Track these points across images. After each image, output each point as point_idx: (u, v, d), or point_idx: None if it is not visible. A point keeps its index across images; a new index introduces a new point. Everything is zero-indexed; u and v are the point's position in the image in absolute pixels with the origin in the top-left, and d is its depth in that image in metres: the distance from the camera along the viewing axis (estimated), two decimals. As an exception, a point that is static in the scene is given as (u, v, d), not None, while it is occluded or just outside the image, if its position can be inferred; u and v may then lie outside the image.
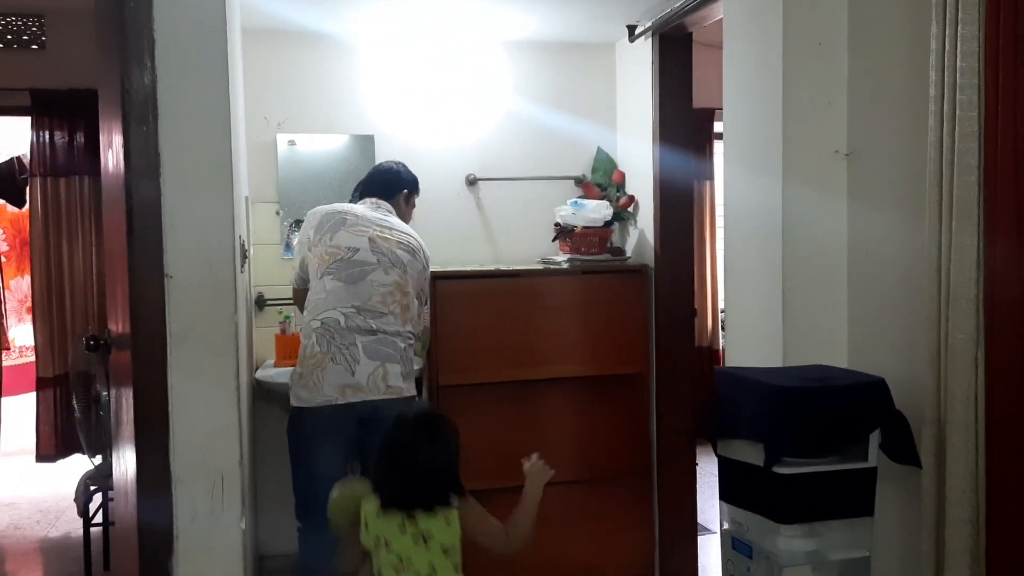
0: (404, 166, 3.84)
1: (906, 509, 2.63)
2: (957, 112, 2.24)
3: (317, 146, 4.37)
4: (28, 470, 6.30)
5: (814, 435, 2.39)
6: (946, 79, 2.28)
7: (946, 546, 2.31)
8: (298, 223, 4.06)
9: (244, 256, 3.17)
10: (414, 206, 3.87)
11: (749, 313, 3.13)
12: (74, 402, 4.42)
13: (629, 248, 4.45)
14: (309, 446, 3.38)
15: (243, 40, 4.14)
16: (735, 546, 2.60)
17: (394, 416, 2.72)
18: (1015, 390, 2.22)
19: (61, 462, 5.95)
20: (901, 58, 2.64)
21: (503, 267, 4.26)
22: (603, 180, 4.50)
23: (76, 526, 4.26)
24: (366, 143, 4.39)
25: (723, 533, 2.68)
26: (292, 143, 4.34)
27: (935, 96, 2.32)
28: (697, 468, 4.37)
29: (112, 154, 2.76)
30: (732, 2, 3.18)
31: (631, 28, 4.24)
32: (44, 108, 5.85)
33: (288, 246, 4.32)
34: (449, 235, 4.43)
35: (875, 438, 2.45)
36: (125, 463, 2.83)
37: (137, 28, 2.53)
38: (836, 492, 2.45)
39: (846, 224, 2.90)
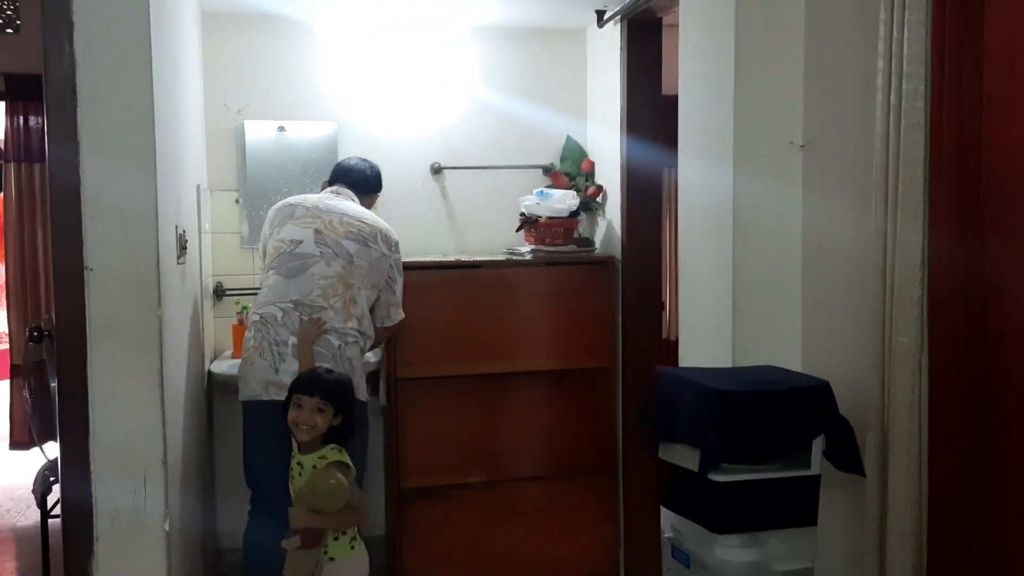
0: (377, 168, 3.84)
1: (851, 518, 2.54)
2: (903, 102, 2.13)
3: (279, 133, 4.26)
4: (1, 457, 6.27)
5: (752, 440, 2.29)
6: (893, 68, 2.16)
7: (888, 558, 2.21)
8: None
9: (183, 246, 3.07)
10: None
11: (700, 310, 3.03)
12: (25, 393, 4.34)
13: (598, 239, 4.35)
14: (246, 439, 3.37)
15: (203, 24, 4.05)
16: (674, 554, 2.51)
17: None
18: (958, 398, 2.12)
19: (35, 450, 5.91)
20: (856, 46, 2.53)
21: (465, 258, 4.16)
22: (572, 169, 4.39)
23: (39, 517, 4.20)
24: (330, 130, 4.29)
25: (664, 540, 2.59)
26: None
27: (882, 85, 2.21)
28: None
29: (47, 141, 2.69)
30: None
31: (600, 13, 4.12)
32: (18, 93, 5.82)
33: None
34: (413, 224, 4.33)
35: (819, 444, 2.34)
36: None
37: (56, 12, 2.44)
38: (777, 501, 2.35)
39: (801, 219, 2.79)
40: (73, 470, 2.53)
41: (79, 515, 2.53)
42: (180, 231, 3.02)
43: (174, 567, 2.66)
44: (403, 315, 3.61)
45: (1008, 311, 2.02)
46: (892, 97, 2.16)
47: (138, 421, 2.53)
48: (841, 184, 2.64)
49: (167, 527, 2.58)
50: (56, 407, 3.16)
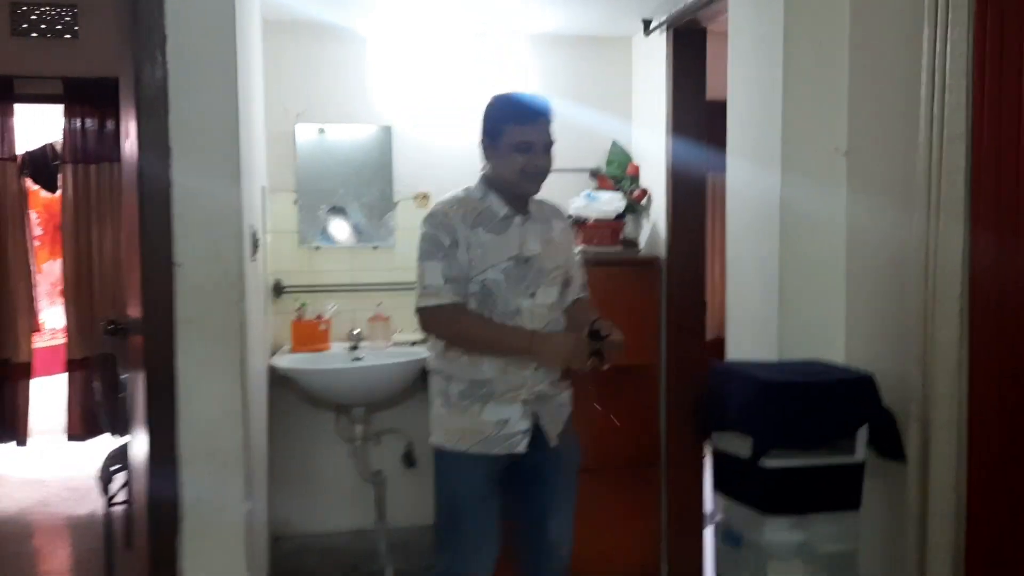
0: (491, 100, 2.86)
1: (893, 504, 2.66)
2: (946, 113, 2.27)
3: (335, 136, 4.43)
4: (59, 449, 6.46)
5: (801, 429, 2.44)
6: (936, 80, 2.31)
7: (928, 541, 2.36)
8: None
9: (255, 245, 3.24)
10: (509, 148, 2.75)
11: (748, 307, 3.17)
12: (95, 383, 4.52)
13: (642, 240, 4.49)
14: None
15: (264, 32, 4.21)
16: (725, 536, 2.65)
17: None
18: (996, 391, 2.26)
19: (91, 441, 6.13)
20: (899, 59, 2.65)
21: (515, 257, 4.29)
22: (618, 172, 4.54)
23: (102, 504, 4.37)
24: (384, 134, 4.45)
25: (716, 524, 2.73)
26: (322, 131, 4.41)
27: (925, 97, 2.35)
28: (704, 460, 4.40)
29: (128, 144, 2.85)
30: (736, 4, 3.21)
31: (646, 22, 4.27)
32: (76, 96, 6.01)
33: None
34: (464, 225, 4.47)
35: (863, 433, 2.49)
36: (138, 444, 2.93)
37: (149, 24, 2.61)
38: (823, 486, 2.50)
39: (845, 221, 2.92)
40: (161, 454, 2.69)
41: (166, 496, 2.69)
42: (253, 230, 3.20)
43: (251, 546, 2.84)
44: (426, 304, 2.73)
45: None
46: (935, 109, 2.30)
47: (222, 409, 2.70)
48: (884, 188, 2.77)
49: (248, 507, 2.75)
50: (128, 398, 3.33)
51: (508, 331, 2.73)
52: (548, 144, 2.81)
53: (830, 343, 2.92)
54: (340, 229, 4.45)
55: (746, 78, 3.17)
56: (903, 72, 2.59)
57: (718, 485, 2.70)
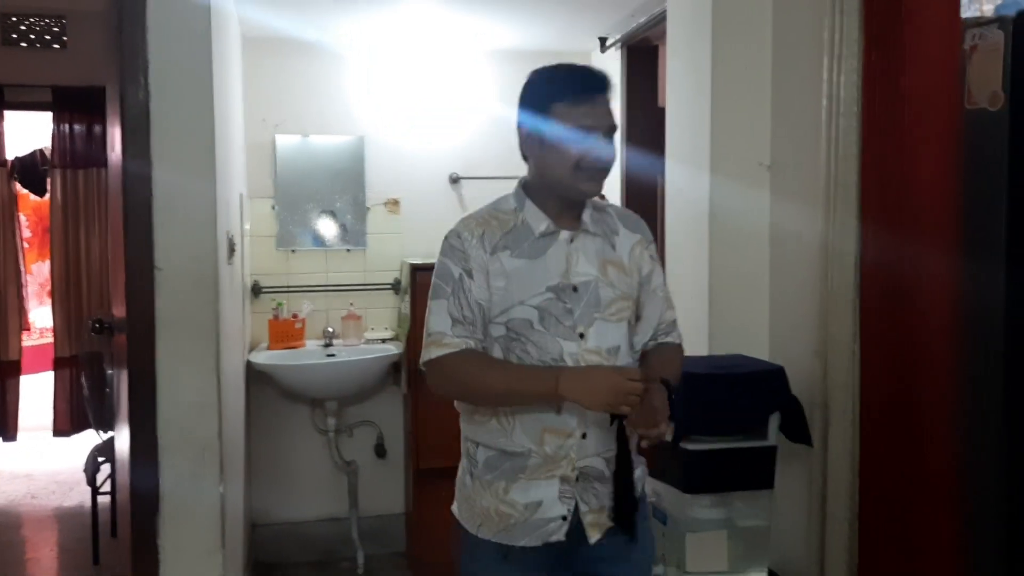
0: (531, 76, 2.20)
1: (802, 482, 2.94)
2: (840, 136, 2.56)
3: (312, 145, 4.68)
4: (46, 444, 6.65)
5: (718, 416, 2.71)
6: (833, 107, 2.59)
7: (827, 514, 2.64)
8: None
9: (232, 249, 3.47)
10: (561, 134, 2.04)
11: (682, 305, 3.41)
12: (83, 380, 4.74)
13: (600, 243, 4.73)
14: None
15: (243, 49, 4.45)
16: (655, 514, 2.92)
17: None
18: (883, 380, 2.55)
19: (76, 437, 6.34)
20: (810, 85, 2.89)
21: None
22: (577, 180, 4.78)
23: (88, 496, 4.56)
24: (357, 143, 4.70)
25: (647, 503, 3.00)
26: (299, 140, 4.65)
27: (825, 121, 2.64)
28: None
29: (114, 156, 3.09)
30: (673, 28, 3.47)
31: (602, 40, 4.54)
32: (64, 104, 6.21)
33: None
34: (432, 230, 4.56)
35: (775, 419, 2.76)
36: (122, 438, 3.16)
37: (133, 50, 2.84)
38: (740, 467, 2.76)
39: (768, 227, 3.19)
40: (142, 444, 2.90)
41: (147, 484, 2.91)
42: (230, 235, 3.44)
43: (225, 527, 3.07)
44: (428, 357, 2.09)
45: (923, 306, 2.44)
46: (832, 131, 2.59)
47: (198, 400, 2.92)
48: (800, 199, 3.02)
49: (221, 490, 2.99)
50: (114, 393, 3.55)
51: (527, 371, 2.05)
52: (611, 127, 2.09)
53: (755, 338, 3.19)
54: (316, 233, 4.69)
55: (681, 98, 3.43)
56: (812, 97, 2.85)
57: (649, 469, 2.97)
